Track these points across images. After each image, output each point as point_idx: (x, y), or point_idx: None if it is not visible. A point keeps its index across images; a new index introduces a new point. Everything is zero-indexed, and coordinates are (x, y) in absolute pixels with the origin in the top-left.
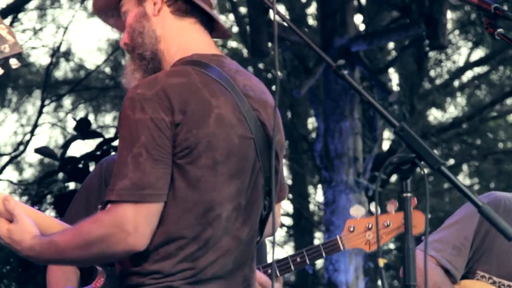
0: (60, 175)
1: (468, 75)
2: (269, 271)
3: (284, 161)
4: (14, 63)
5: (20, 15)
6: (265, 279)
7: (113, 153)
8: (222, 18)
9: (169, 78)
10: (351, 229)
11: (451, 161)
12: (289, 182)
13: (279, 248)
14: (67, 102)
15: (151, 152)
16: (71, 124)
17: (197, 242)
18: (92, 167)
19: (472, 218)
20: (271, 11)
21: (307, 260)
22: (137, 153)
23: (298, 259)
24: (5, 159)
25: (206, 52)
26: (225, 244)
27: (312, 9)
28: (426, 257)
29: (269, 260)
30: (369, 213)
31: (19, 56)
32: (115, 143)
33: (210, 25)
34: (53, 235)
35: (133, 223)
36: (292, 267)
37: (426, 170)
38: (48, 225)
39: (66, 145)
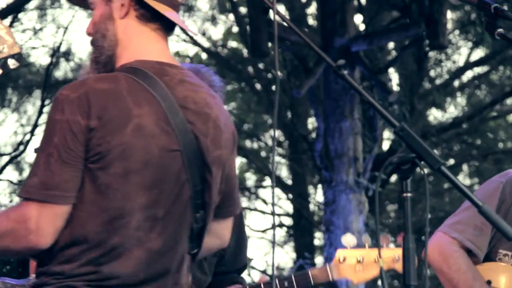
0: None
1: (468, 75)
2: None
3: (284, 161)
4: (12, 63)
5: (20, 15)
6: None
7: None
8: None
9: (96, 82)
10: (341, 259)
11: (451, 161)
12: (289, 182)
13: (278, 248)
14: None
15: (61, 154)
16: None
17: (101, 248)
18: None
19: (492, 197)
20: (271, 11)
21: (295, 286)
22: (49, 153)
23: (286, 284)
24: (5, 159)
25: (151, 59)
26: (136, 254)
27: (312, 9)
28: (426, 257)
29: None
30: (359, 245)
31: (18, 56)
32: None
33: (172, 28)
34: None
35: (35, 221)
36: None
37: (426, 170)
38: None
39: None
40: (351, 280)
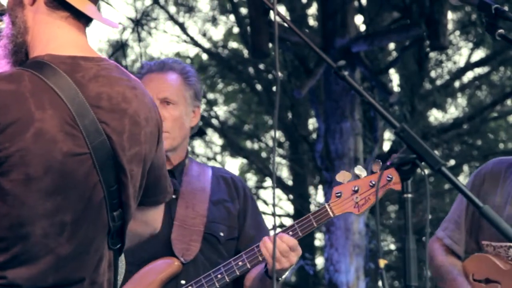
0: None
1: (468, 75)
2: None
3: (284, 161)
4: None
5: None
6: (294, 242)
7: None
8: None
9: None
10: (338, 194)
11: (452, 162)
12: (290, 182)
13: None
14: None
15: None
16: None
17: (4, 255)
18: None
19: (470, 185)
20: (271, 12)
21: (299, 233)
22: None
23: (290, 233)
24: None
25: (62, 53)
26: (45, 260)
27: (312, 9)
28: (427, 257)
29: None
30: (356, 176)
31: (3, 13)
32: None
33: (90, 18)
34: None
35: None
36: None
37: (426, 171)
38: None
39: None
40: (352, 212)
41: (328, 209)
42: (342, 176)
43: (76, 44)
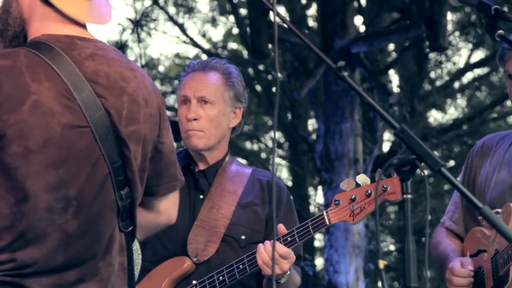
0: None
1: (468, 76)
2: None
3: (284, 162)
4: None
5: None
6: (286, 250)
7: None
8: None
9: None
10: (337, 202)
11: (452, 163)
12: (290, 183)
13: None
14: None
15: None
16: None
17: (11, 233)
18: None
19: (463, 169)
20: (271, 13)
21: (297, 239)
22: None
23: (289, 239)
24: None
25: (59, 33)
26: (52, 238)
27: (312, 10)
28: (427, 258)
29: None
30: (358, 185)
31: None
32: None
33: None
34: None
35: None
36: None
37: (426, 172)
38: None
39: None
40: (347, 221)
41: (325, 217)
42: (346, 184)
43: (72, 24)
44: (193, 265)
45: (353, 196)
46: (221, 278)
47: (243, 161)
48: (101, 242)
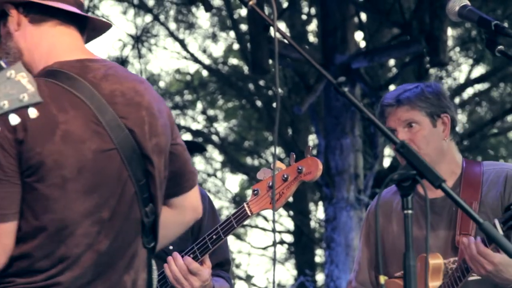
0: None
1: (468, 92)
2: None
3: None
4: (32, 112)
5: None
6: (196, 266)
7: None
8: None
9: None
10: (255, 192)
11: None
12: (290, 199)
13: (279, 265)
14: None
15: None
16: None
17: (49, 259)
18: None
19: (361, 232)
20: (271, 28)
21: (222, 235)
22: None
23: (214, 236)
24: None
25: (69, 58)
26: (86, 258)
27: (312, 26)
28: (427, 271)
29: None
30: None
31: (38, 105)
32: None
33: (81, 23)
34: None
35: None
36: (210, 246)
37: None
38: None
39: None
40: (268, 208)
41: (246, 208)
42: (262, 173)
43: (76, 47)
44: None
45: (271, 184)
46: None
47: (244, 177)
48: (126, 257)
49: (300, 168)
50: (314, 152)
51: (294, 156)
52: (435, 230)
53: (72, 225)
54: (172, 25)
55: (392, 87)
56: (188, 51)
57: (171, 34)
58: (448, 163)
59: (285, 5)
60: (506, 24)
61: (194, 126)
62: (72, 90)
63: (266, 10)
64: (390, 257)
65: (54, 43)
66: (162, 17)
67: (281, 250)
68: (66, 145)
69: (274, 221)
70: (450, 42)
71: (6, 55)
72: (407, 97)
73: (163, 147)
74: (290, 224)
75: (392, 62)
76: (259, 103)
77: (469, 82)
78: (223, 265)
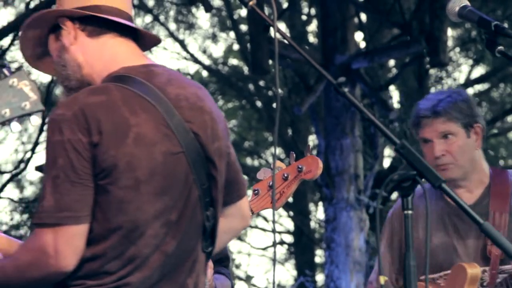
0: None
1: (468, 92)
2: None
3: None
4: (34, 120)
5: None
6: None
7: None
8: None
9: (88, 96)
10: (256, 192)
11: None
12: (290, 199)
13: (279, 265)
14: None
15: (68, 174)
16: None
17: (120, 260)
18: None
19: (382, 235)
20: (271, 29)
21: None
22: (55, 175)
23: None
24: (6, 177)
25: (134, 64)
26: (154, 259)
27: (312, 26)
28: (427, 272)
29: None
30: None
31: (40, 113)
32: None
33: (134, 34)
34: (4, 261)
35: (53, 246)
36: None
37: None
38: (13, 248)
39: None
40: (269, 208)
41: None
42: (262, 173)
43: (138, 54)
44: None
45: (271, 183)
46: None
47: (244, 177)
48: (190, 260)
49: (300, 167)
50: (314, 152)
51: (294, 155)
52: (464, 239)
53: (143, 226)
54: (172, 26)
55: (392, 88)
56: (188, 52)
57: (171, 35)
58: (478, 172)
59: (285, 5)
60: (506, 25)
61: None
62: (141, 94)
63: (266, 10)
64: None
65: (116, 51)
66: (162, 18)
67: (281, 251)
68: (138, 148)
69: (274, 221)
70: (450, 43)
71: (63, 68)
72: (443, 108)
73: (223, 152)
74: (290, 225)
75: (392, 62)
76: (259, 104)
77: (469, 83)
78: (222, 261)
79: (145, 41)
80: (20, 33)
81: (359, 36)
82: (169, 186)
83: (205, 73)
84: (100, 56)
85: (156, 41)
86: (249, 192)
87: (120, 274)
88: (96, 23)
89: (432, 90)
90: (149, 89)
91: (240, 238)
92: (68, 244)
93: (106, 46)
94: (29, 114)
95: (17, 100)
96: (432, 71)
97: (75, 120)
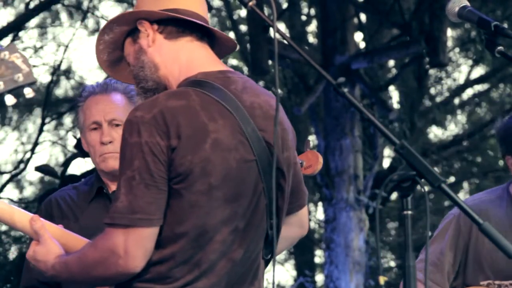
0: None
1: (468, 92)
2: None
3: None
4: (27, 92)
5: (20, 33)
6: None
7: None
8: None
9: (168, 100)
10: None
11: (452, 179)
12: None
13: (279, 266)
14: (67, 120)
15: (143, 176)
16: (71, 142)
17: (188, 264)
18: None
19: (445, 232)
20: (271, 29)
21: None
22: (130, 176)
23: None
24: (6, 177)
25: (212, 69)
26: (221, 266)
27: (312, 27)
28: (427, 274)
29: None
30: None
31: (33, 85)
32: None
33: (210, 40)
34: (68, 256)
35: (123, 246)
36: None
37: (426, 188)
38: (75, 243)
39: (66, 163)
40: None
41: None
42: None
43: (214, 59)
44: None
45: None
46: None
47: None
48: (253, 268)
49: (300, 162)
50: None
51: (310, 144)
52: None
53: (212, 231)
54: None
55: (391, 88)
56: None
57: None
58: None
59: (284, 5)
60: (505, 25)
61: None
62: (219, 100)
63: (266, 11)
64: (492, 262)
65: (193, 56)
66: None
67: None
68: (214, 153)
69: (273, 221)
70: (449, 43)
71: (141, 69)
72: None
73: (291, 162)
74: None
75: (391, 62)
76: None
77: (469, 83)
78: None
79: (220, 47)
80: (97, 37)
81: (358, 36)
82: (240, 194)
83: None
84: (176, 58)
85: (232, 46)
86: None
87: (187, 280)
88: (175, 26)
89: (432, 90)
90: (226, 95)
91: None
92: (138, 246)
93: (183, 49)
94: (23, 86)
95: (10, 73)
96: (432, 72)
97: (154, 123)
